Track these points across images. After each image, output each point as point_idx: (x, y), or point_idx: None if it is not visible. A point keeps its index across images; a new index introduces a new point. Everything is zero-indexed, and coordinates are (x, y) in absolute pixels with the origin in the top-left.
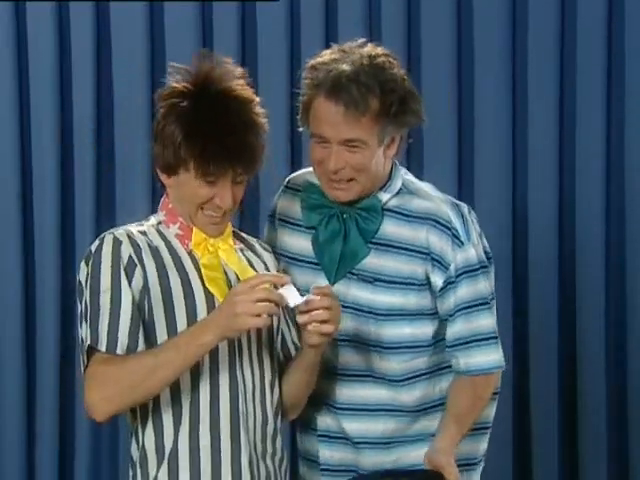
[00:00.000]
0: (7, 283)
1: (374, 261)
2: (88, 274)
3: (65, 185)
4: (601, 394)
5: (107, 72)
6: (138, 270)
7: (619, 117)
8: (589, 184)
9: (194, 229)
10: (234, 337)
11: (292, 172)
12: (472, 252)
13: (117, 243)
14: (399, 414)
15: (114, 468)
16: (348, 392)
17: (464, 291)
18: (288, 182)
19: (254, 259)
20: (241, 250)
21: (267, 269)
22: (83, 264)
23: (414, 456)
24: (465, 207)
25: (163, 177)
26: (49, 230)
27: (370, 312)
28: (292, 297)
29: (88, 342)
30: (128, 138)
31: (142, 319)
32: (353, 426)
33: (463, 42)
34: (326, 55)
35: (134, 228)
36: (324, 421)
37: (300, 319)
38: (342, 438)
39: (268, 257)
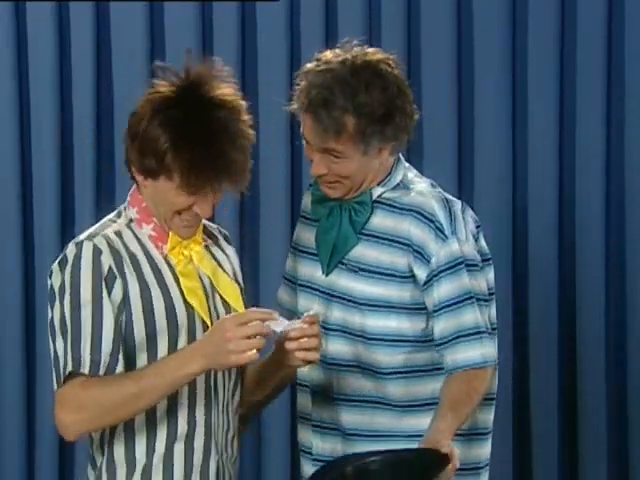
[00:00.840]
0: (7, 283)
1: (360, 251)
2: (64, 283)
3: (65, 185)
4: (601, 394)
5: (107, 72)
6: (118, 282)
7: (619, 117)
8: (589, 184)
9: (170, 233)
10: (220, 369)
11: (292, 173)
12: (455, 247)
13: (97, 252)
14: (387, 407)
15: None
16: (339, 382)
17: (446, 287)
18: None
19: (220, 256)
20: (207, 247)
21: (231, 265)
22: (57, 269)
23: None
24: (458, 204)
25: (139, 178)
26: (49, 230)
27: (355, 302)
28: (278, 324)
29: (69, 367)
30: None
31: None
32: (345, 417)
33: (463, 42)
34: (312, 65)
35: (109, 230)
36: (318, 411)
37: (289, 346)
38: (335, 429)
39: (232, 252)
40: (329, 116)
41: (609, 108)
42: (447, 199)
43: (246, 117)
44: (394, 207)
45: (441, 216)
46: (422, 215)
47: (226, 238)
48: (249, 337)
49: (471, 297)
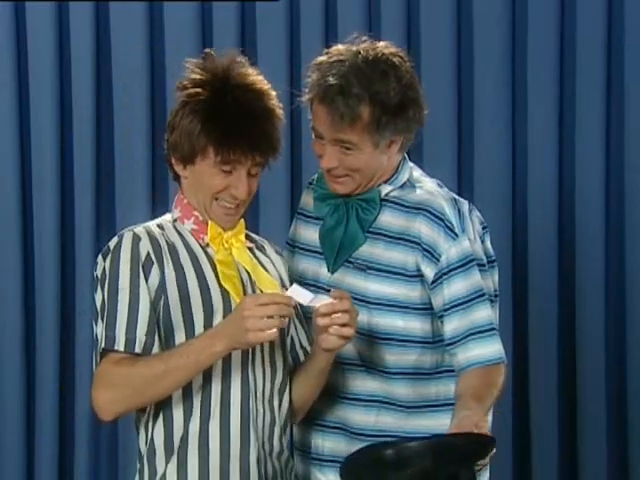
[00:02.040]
0: (7, 284)
1: (368, 249)
2: (105, 271)
3: (65, 185)
4: (600, 394)
5: (107, 72)
6: (155, 268)
7: (619, 116)
8: (589, 183)
9: (210, 223)
10: (244, 348)
11: (292, 173)
12: (466, 245)
13: (136, 239)
14: (393, 407)
15: (113, 468)
16: (344, 381)
17: (459, 286)
18: (312, 179)
19: (264, 259)
20: (251, 249)
21: (276, 270)
22: (100, 259)
23: None
24: (466, 204)
25: (179, 168)
26: (49, 231)
27: (362, 300)
28: (302, 296)
29: (103, 344)
30: (128, 138)
31: (157, 318)
32: (350, 416)
33: (463, 42)
34: (324, 57)
35: (152, 224)
36: (322, 410)
37: (321, 321)
38: (338, 428)
39: (278, 260)
40: (345, 104)
41: (609, 107)
42: (455, 199)
43: (273, 99)
44: (403, 205)
45: (451, 215)
46: (432, 214)
47: (277, 251)
48: (268, 317)
49: (483, 294)
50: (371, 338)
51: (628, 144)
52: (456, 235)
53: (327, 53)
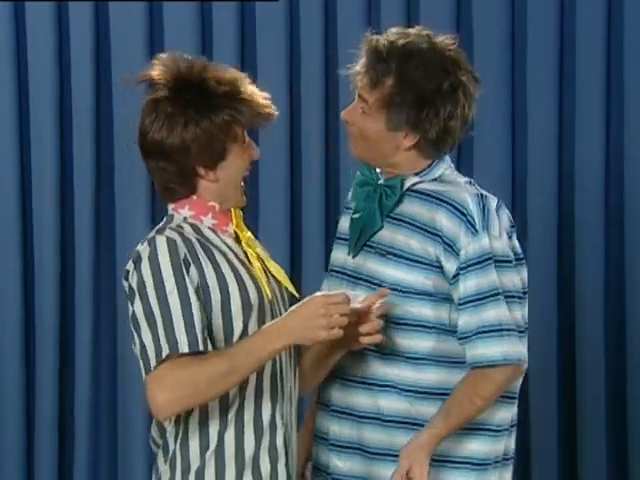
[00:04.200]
0: (7, 284)
1: (390, 235)
2: (143, 278)
3: (64, 185)
4: (600, 394)
5: (106, 72)
6: (192, 268)
7: (618, 115)
8: (588, 183)
9: (232, 210)
10: (307, 344)
11: (291, 172)
12: (485, 242)
13: (172, 242)
14: (406, 393)
15: (113, 468)
16: (363, 366)
17: (472, 282)
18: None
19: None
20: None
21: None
22: (132, 268)
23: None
24: (494, 201)
25: (208, 174)
26: (49, 231)
27: (379, 285)
28: (357, 301)
29: (166, 350)
30: (128, 138)
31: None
32: (361, 400)
33: (462, 42)
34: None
35: (172, 227)
36: (335, 395)
37: (363, 329)
38: (349, 414)
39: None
40: (380, 66)
41: (608, 107)
42: (482, 194)
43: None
44: (428, 196)
45: (473, 210)
46: (454, 207)
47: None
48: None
49: (497, 294)
50: (387, 323)
51: (628, 143)
52: (476, 231)
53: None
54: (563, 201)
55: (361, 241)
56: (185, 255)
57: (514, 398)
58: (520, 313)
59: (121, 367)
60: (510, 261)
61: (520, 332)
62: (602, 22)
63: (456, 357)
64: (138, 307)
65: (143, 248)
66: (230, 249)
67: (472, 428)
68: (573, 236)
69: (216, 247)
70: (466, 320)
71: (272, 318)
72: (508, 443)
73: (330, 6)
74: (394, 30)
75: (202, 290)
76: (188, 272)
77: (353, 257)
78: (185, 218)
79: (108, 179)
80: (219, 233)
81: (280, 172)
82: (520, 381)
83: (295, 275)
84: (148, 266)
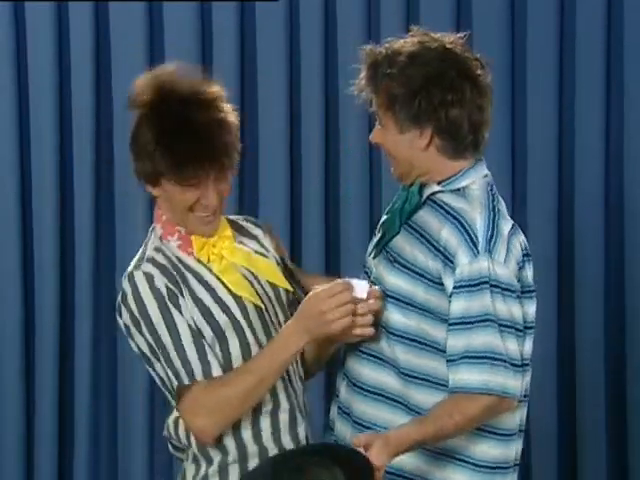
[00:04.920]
0: (7, 284)
1: (402, 243)
2: (134, 314)
3: (64, 185)
4: (600, 394)
5: (106, 72)
6: (180, 298)
7: (618, 115)
8: (588, 183)
9: (192, 237)
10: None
11: (291, 173)
12: (484, 265)
13: (150, 278)
14: (408, 410)
15: (113, 468)
16: (361, 369)
17: (463, 304)
18: None
19: (250, 243)
20: (240, 242)
21: (263, 246)
22: (121, 305)
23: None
24: (508, 226)
25: (148, 188)
26: (48, 231)
27: (384, 292)
28: (359, 290)
29: (186, 380)
30: (127, 137)
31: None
32: (355, 405)
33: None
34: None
35: (150, 250)
36: (343, 393)
37: (357, 321)
38: (347, 414)
39: (261, 234)
40: (380, 70)
41: (608, 107)
42: (496, 217)
43: (226, 106)
44: (441, 208)
45: (480, 230)
46: (461, 224)
47: (256, 224)
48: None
49: (489, 320)
50: (386, 332)
51: (628, 142)
52: (477, 252)
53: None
54: (563, 201)
55: (381, 243)
56: (167, 286)
57: (508, 435)
58: (516, 345)
59: (121, 367)
60: (513, 290)
61: (514, 365)
62: (602, 22)
63: (444, 377)
64: (141, 343)
65: (125, 285)
66: (204, 266)
67: (484, 430)
68: (573, 236)
69: (188, 267)
70: (453, 342)
71: (270, 321)
72: (518, 447)
73: (330, 6)
74: (390, 39)
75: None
76: (178, 302)
77: (373, 257)
78: (160, 238)
79: (108, 179)
80: (190, 256)
81: (280, 172)
82: (517, 418)
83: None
84: (133, 303)
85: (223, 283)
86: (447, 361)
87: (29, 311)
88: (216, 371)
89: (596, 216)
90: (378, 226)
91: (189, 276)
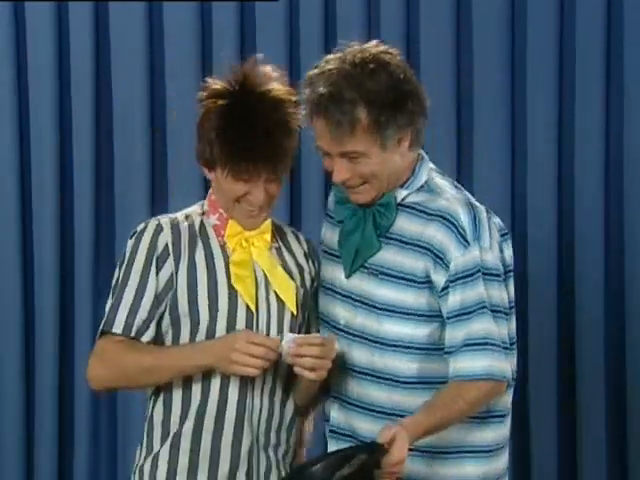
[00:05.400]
0: (7, 284)
1: (382, 255)
2: (126, 253)
3: (64, 184)
4: (600, 394)
5: (106, 72)
6: (170, 261)
7: (618, 114)
8: (588, 182)
9: (230, 221)
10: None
11: (291, 172)
12: (475, 254)
13: (158, 230)
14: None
15: (113, 468)
16: (358, 389)
17: (461, 296)
18: None
19: (290, 260)
20: (277, 249)
21: (300, 268)
22: (128, 240)
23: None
24: (484, 211)
25: (205, 171)
26: (48, 231)
27: (373, 307)
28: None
29: (102, 325)
30: (127, 137)
31: (164, 309)
32: (362, 425)
33: (462, 41)
34: (314, 70)
35: (181, 213)
36: (335, 416)
37: (287, 360)
38: (349, 436)
39: (301, 254)
40: (340, 111)
41: (608, 106)
42: (472, 204)
43: (293, 110)
44: (420, 212)
45: (465, 222)
46: (446, 220)
47: (298, 240)
48: (255, 356)
49: (484, 307)
50: (380, 345)
51: (628, 142)
52: (467, 243)
53: (316, 67)
54: (563, 201)
55: (357, 263)
56: (166, 245)
57: (503, 416)
58: (506, 329)
59: None
60: (499, 275)
61: (506, 349)
62: (602, 22)
63: (441, 377)
64: (115, 276)
65: (141, 225)
66: (224, 255)
67: (468, 451)
68: (573, 236)
69: (207, 244)
70: (453, 333)
71: (256, 330)
72: (509, 425)
73: (330, 6)
74: (309, 77)
75: (171, 282)
76: (164, 263)
77: (347, 278)
78: (203, 213)
79: (108, 179)
80: (219, 238)
81: None
82: (508, 398)
83: None
84: (132, 243)
85: (228, 278)
86: (446, 353)
87: (29, 311)
88: (147, 337)
89: (596, 216)
90: (326, 240)
91: (199, 245)
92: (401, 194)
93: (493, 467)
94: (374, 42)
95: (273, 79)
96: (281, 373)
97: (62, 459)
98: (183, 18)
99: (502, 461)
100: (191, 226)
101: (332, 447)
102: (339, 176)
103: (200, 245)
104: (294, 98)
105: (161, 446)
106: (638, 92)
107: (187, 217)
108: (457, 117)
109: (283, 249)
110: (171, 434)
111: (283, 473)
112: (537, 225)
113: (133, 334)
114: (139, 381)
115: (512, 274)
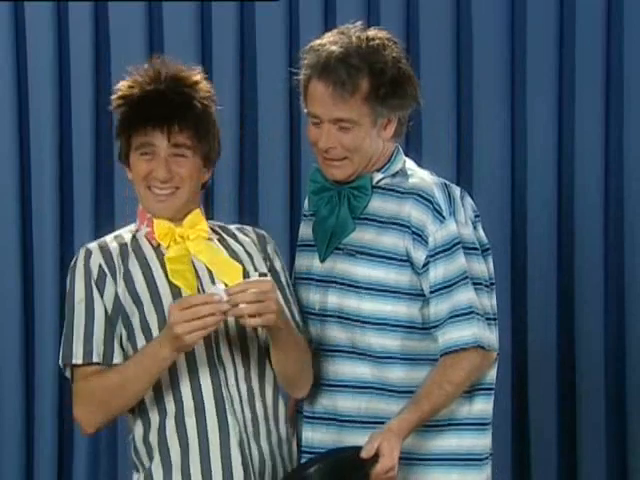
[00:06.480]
0: (7, 284)
1: (359, 235)
2: (67, 287)
3: (64, 184)
4: (600, 393)
5: (106, 72)
6: (109, 279)
7: (617, 112)
8: (588, 175)
9: (155, 220)
10: (187, 350)
11: (291, 171)
12: (453, 228)
13: (87, 255)
14: (384, 393)
15: (112, 468)
16: (334, 368)
17: (443, 269)
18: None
19: (235, 246)
20: (220, 240)
21: (250, 256)
22: (67, 277)
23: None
24: (457, 189)
25: (128, 173)
26: (48, 232)
27: (351, 285)
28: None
29: (60, 360)
30: None
31: (119, 327)
32: (339, 403)
33: (462, 39)
34: (324, 37)
35: (110, 236)
36: (309, 400)
37: (230, 312)
38: (326, 418)
39: (250, 243)
40: (347, 72)
41: (608, 105)
42: (446, 184)
43: (202, 90)
44: (394, 191)
45: (440, 198)
46: (421, 197)
47: (246, 233)
48: (193, 319)
49: (465, 277)
50: (359, 323)
51: (627, 140)
52: (443, 218)
53: (327, 34)
54: (563, 201)
55: (332, 245)
56: (100, 267)
57: (491, 389)
58: (488, 302)
59: None
60: (477, 248)
61: (489, 320)
62: (602, 22)
63: (421, 354)
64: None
65: (73, 259)
66: (158, 255)
67: (465, 424)
68: (573, 236)
69: (142, 255)
70: (438, 307)
71: None
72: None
73: (330, 6)
74: (314, 45)
75: (118, 299)
76: (104, 284)
77: (322, 261)
78: (137, 230)
79: (108, 179)
80: (153, 243)
81: (280, 172)
82: (494, 372)
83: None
84: (69, 276)
85: (167, 275)
86: (433, 327)
87: (29, 311)
88: (117, 358)
89: (596, 216)
90: (302, 235)
91: (132, 256)
92: (377, 177)
93: (481, 442)
94: (375, 30)
95: (182, 67)
96: (253, 357)
97: (62, 459)
98: (183, 18)
99: (489, 439)
100: (122, 244)
101: (307, 433)
102: (326, 142)
103: (133, 256)
104: (206, 84)
105: (151, 463)
106: (638, 93)
107: (116, 237)
108: (457, 117)
109: (228, 239)
110: (157, 449)
111: (279, 462)
112: (537, 225)
113: (99, 359)
114: (118, 402)
115: (490, 252)
